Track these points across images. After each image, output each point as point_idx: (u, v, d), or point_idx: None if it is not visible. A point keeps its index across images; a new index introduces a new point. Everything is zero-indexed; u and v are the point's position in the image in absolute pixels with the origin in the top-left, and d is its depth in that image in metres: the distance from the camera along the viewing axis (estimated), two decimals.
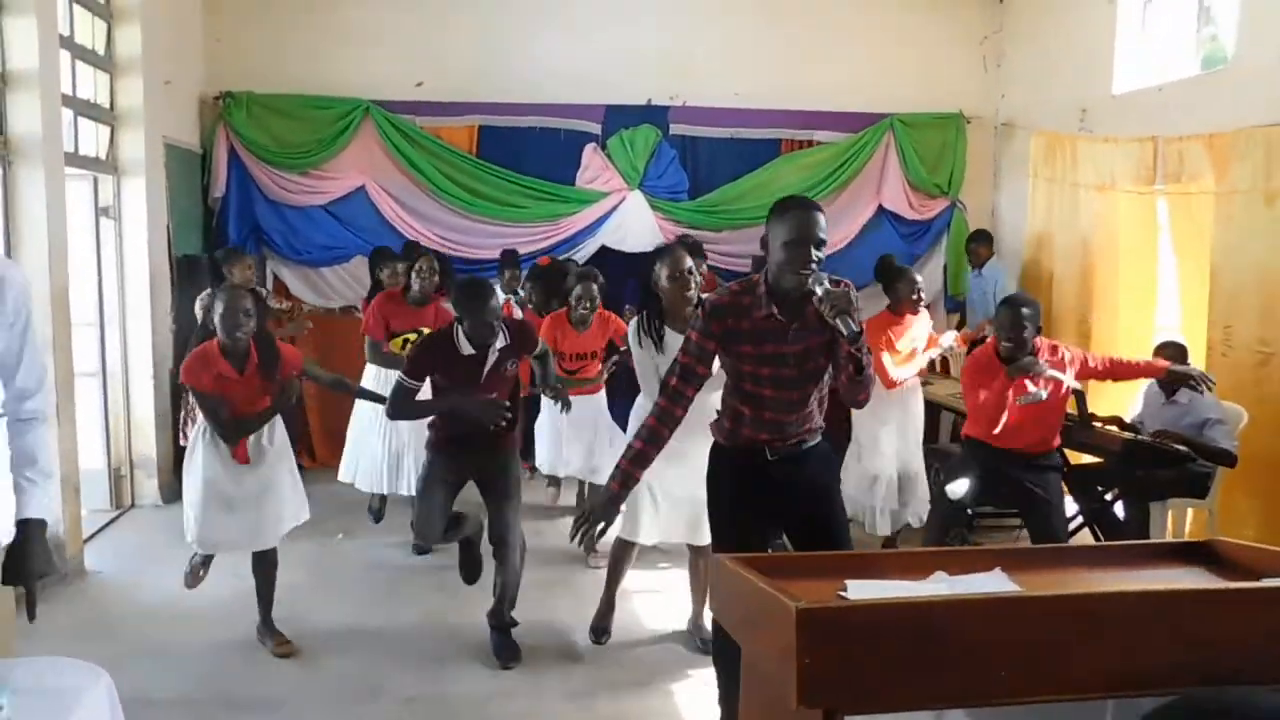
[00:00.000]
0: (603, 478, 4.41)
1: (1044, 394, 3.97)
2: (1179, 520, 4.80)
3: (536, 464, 5.39)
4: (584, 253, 6.93)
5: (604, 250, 6.96)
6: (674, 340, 3.56)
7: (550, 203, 7.07)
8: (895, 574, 2.01)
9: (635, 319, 3.73)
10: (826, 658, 1.58)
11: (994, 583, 1.88)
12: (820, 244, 2.61)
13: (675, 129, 7.21)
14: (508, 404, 3.63)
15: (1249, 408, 4.65)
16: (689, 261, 3.59)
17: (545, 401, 4.86)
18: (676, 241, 6.65)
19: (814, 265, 2.59)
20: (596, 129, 7.14)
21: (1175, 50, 5.96)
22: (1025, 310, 3.95)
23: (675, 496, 3.71)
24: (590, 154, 7.12)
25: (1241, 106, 5.03)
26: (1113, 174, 5.97)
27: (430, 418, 3.84)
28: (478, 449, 3.75)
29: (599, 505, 2.79)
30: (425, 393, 3.75)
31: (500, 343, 3.64)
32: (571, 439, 5.05)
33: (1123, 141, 5.88)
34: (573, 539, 2.82)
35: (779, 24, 7.23)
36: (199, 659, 3.81)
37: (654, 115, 7.16)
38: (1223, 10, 5.62)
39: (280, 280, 6.92)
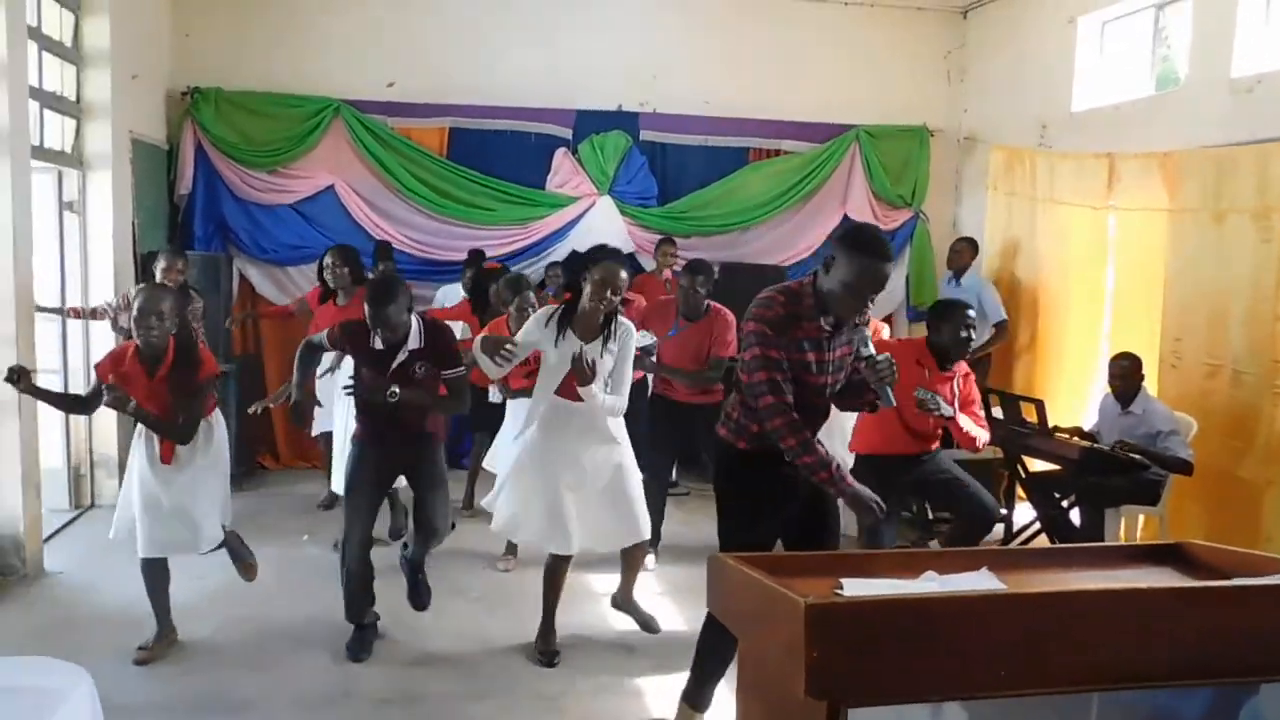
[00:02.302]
0: None
1: (950, 411, 4.05)
2: (1131, 526, 4.97)
3: (488, 466, 5.17)
4: (553, 257, 6.96)
5: (574, 254, 6.98)
6: (573, 341, 3.61)
7: (520, 206, 7.09)
8: (888, 573, 2.09)
9: (549, 308, 3.78)
10: (832, 652, 1.65)
11: (983, 581, 1.96)
12: (880, 291, 2.74)
13: (645, 135, 7.28)
14: (394, 388, 3.56)
15: (1197, 418, 4.84)
16: (622, 278, 3.60)
17: (509, 411, 4.81)
18: (657, 245, 6.77)
19: (869, 308, 2.76)
20: (567, 133, 7.17)
21: (1131, 70, 6.19)
22: (971, 316, 4.15)
23: (592, 503, 3.74)
24: (560, 158, 7.16)
25: (1193, 127, 5.24)
26: (1069, 189, 6.17)
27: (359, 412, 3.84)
28: (403, 443, 3.79)
29: (859, 504, 2.75)
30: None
31: (412, 344, 3.65)
32: None
33: (1080, 158, 6.08)
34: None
35: (748, 34, 7.34)
36: (165, 661, 3.75)
37: (625, 121, 7.22)
38: (1176, 33, 5.85)
39: (245, 279, 6.83)
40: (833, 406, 3.03)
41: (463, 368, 3.81)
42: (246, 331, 6.84)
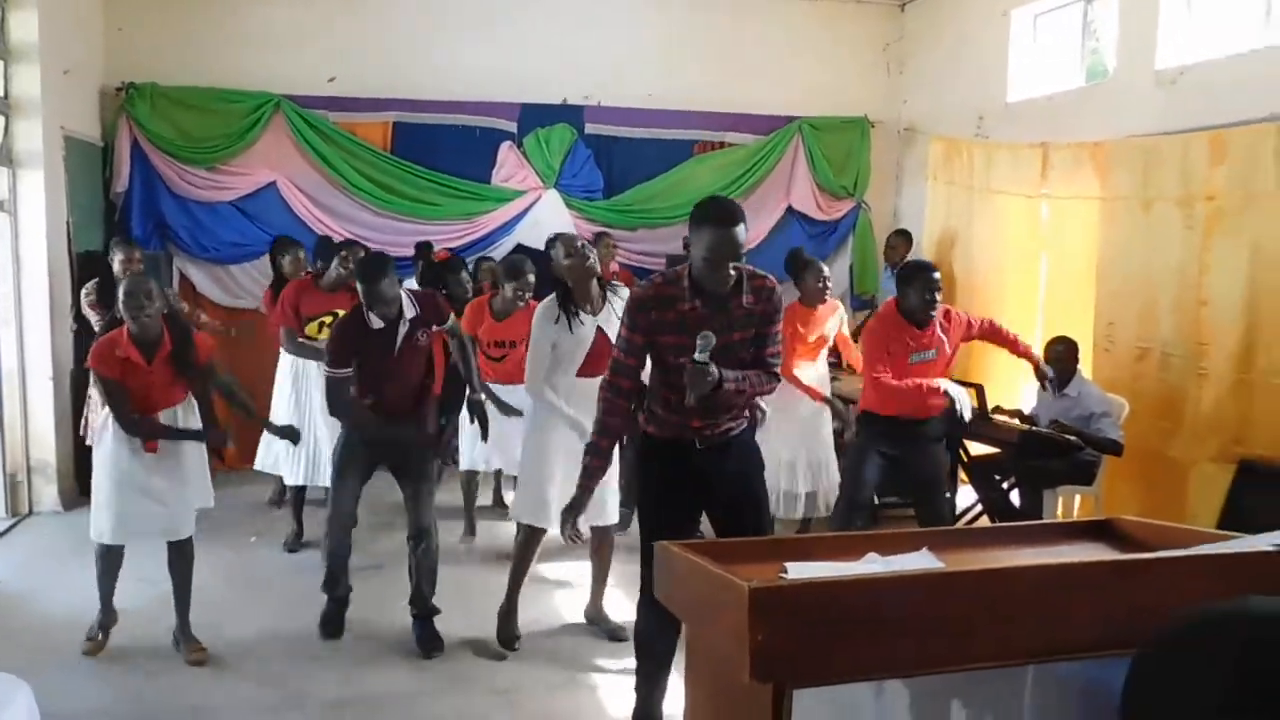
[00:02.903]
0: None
1: (933, 354, 4.21)
2: (1068, 506, 5.12)
3: (459, 461, 5.24)
4: (500, 251, 6.93)
5: (519, 248, 6.97)
6: (587, 321, 3.69)
7: (465, 200, 7.06)
8: (830, 556, 2.14)
9: (548, 299, 3.81)
10: (776, 634, 1.68)
11: (923, 561, 2.02)
12: (738, 258, 2.73)
13: (590, 128, 7.29)
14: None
15: (1129, 400, 5.00)
16: (581, 238, 3.80)
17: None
18: (595, 239, 6.78)
19: (732, 274, 2.75)
20: (512, 127, 7.16)
21: (1063, 62, 6.36)
22: (936, 276, 4.22)
23: (566, 486, 3.74)
24: (506, 152, 7.14)
25: (1121, 117, 5.40)
26: (1005, 179, 6.32)
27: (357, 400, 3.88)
28: (394, 428, 3.85)
29: (572, 502, 2.99)
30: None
31: (410, 313, 3.74)
32: (503, 434, 4.82)
33: (1015, 148, 6.23)
34: (564, 535, 3.03)
35: (692, 27, 7.39)
36: (112, 669, 3.69)
37: (569, 114, 7.22)
38: (1104, 26, 6.02)
39: (186, 279, 6.70)
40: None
41: (452, 316, 3.99)
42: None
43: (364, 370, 3.78)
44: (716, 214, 2.72)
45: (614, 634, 4.04)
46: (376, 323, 3.69)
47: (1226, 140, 4.65)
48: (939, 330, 4.21)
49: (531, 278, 4.56)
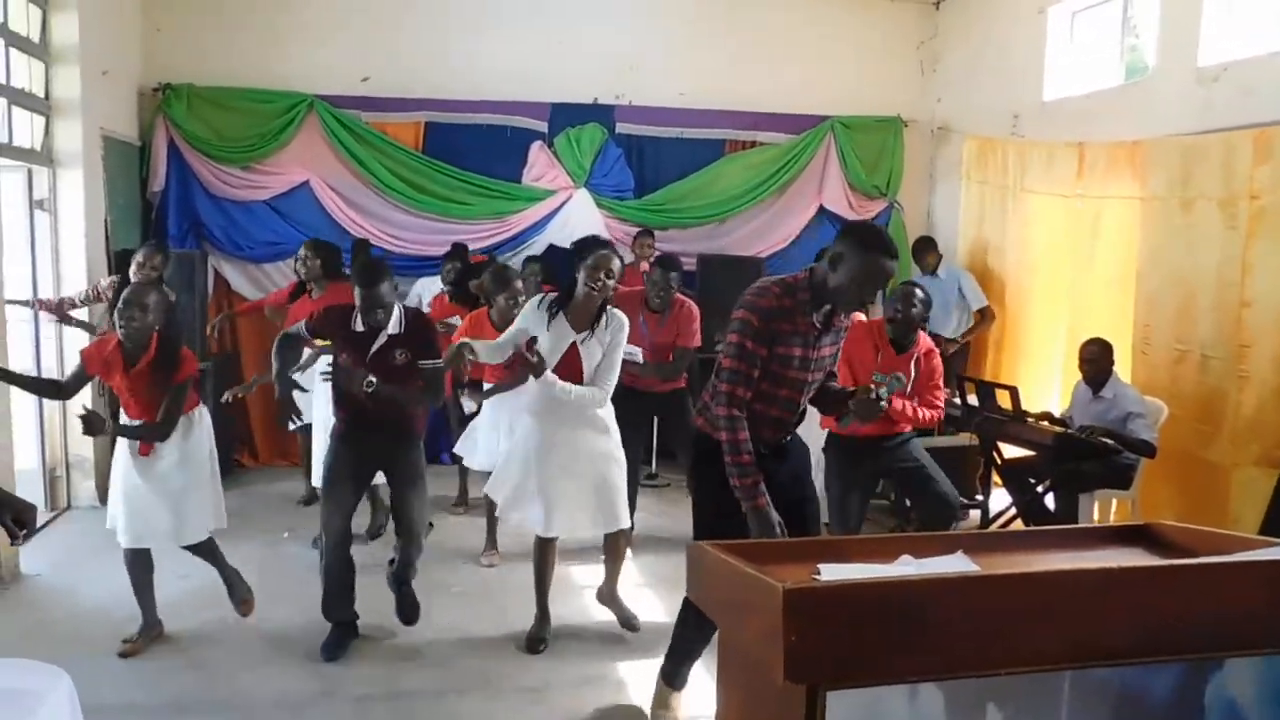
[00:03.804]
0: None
1: (907, 384, 4.15)
2: (1104, 510, 5.05)
3: (465, 461, 5.18)
4: (531, 251, 6.96)
5: (551, 248, 6.99)
6: (563, 326, 3.67)
7: (496, 200, 7.08)
8: (864, 558, 2.12)
9: (542, 295, 3.82)
10: (811, 636, 1.67)
11: (958, 564, 2.00)
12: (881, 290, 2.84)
13: (621, 128, 7.28)
14: (371, 377, 3.57)
15: (1167, 403, 4.92)
16: (615, 264, 3.66)
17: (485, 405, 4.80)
18: (635, 238, 6.79)
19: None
20: (543, 127, 7.17)
21: (1101, 60, 6.26)
22: (919, 294, 4.20)
23: (572, 488, 3.79)
24: (536, 151, 7.15)
25: (1161, 115, 5.31)
26: (1041, 178, 6.24)
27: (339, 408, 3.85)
28: (381, 437, 3.79)
29: (760, 525, 2.77)
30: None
31: (392, 329, 3.68)
32: (512, 430, 4.67)
33: (1051, 147, 6.15)
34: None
35: (723, 26, 7.36)
36: (145, 663, 3.74)
37: (600, 114, 7.22)
38: (1144, 23, 5.92)
39: (221, 277, 6.79)
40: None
41: (440, 361, 3.79)
42: (223, 330, 6.79)
43: (340, 362, 3.77)
44: (886, 245, 2.75)
45: (627, 622, 4.05)
46: (358, 325, 3.67)
47: (1271, 138, 4.55)
48: (913, 363, 4.18)
49: (519, 284, 4.58)
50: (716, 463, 2.93)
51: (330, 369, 3.83)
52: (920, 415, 4.18)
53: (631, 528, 4.98)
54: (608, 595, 4.13)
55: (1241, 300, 4.70)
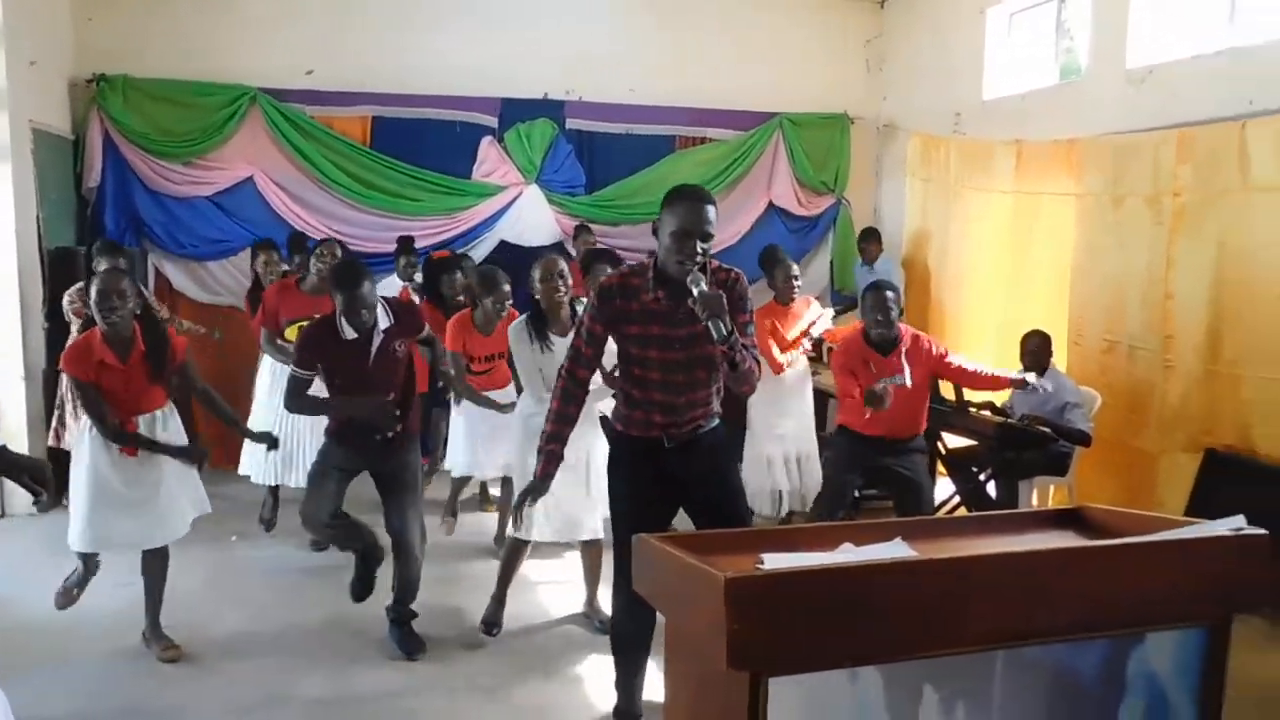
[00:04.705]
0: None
1: (909, 380, 4.18)
2: (1043, 496, 5.21)
3: (448, 466, 5.16)
4: (483, 247, 6.95)
5: (503, 245, 6.98)
6: (558, 342, 3.72)
7: (446, 196, 7.05)
8: (806, 547, 2.17)
9: (518, 321, 3.87)
10: (752, 624, 1.71)
11: (896, 550, 2.06)
12: (707, 237, 2.67)
13: (571, 124, 7.30)
14: (397, 410, 3.61)
15: (1099, 392, 5.10)
16: (561, 265, 3.77)
17: (460, 412, 4.82)
18: (575, 233, 6.83)
19: (699, 257, 2.67)
20: (493, 122, 7.15)
21: (1037, 61, 6.43)
22: (889, 294, 4.27)
23: (565, 490, 3.76)
24: (487, 147, 7.13)
25: (1094, 115, 5.48)
26: (981, 175, 6.39)
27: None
28: (375, 440, 3.72)
29: (532, 486, 2.97)
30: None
31: (384, 324, 3.64)
32: (491, 438, 4.77)
33: (991, 145, 6.30)
34: (515, 521, 3.09)
35: (672, 23, 7.41)
36: (91, 671, 3.66)
37: (550, 109, 7.22)
38: (1077, 25, 6.10)
39: (162, 276, 6.65)
40: (758, 388, 3.00)
41: (427, 328, 3.90)
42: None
43: (337, 382, 3.68)
44: (690, 190, 2.75)
45: (605, 625, 4.05)
46: (349, 333, 3.58)
47: (1193, 138, 4.74)
48: (903, 357, 4.22)
49: (507, 287, 4.54)
50: (618, 455, 3.02)
51: (331, 402, 3.74)
52: (989, 374, 4.45)
53: None
54: (589, 609, 4.17)
55: (1167, 293, 4.88)
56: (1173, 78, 5.02)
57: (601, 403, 3.80)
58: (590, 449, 3.85)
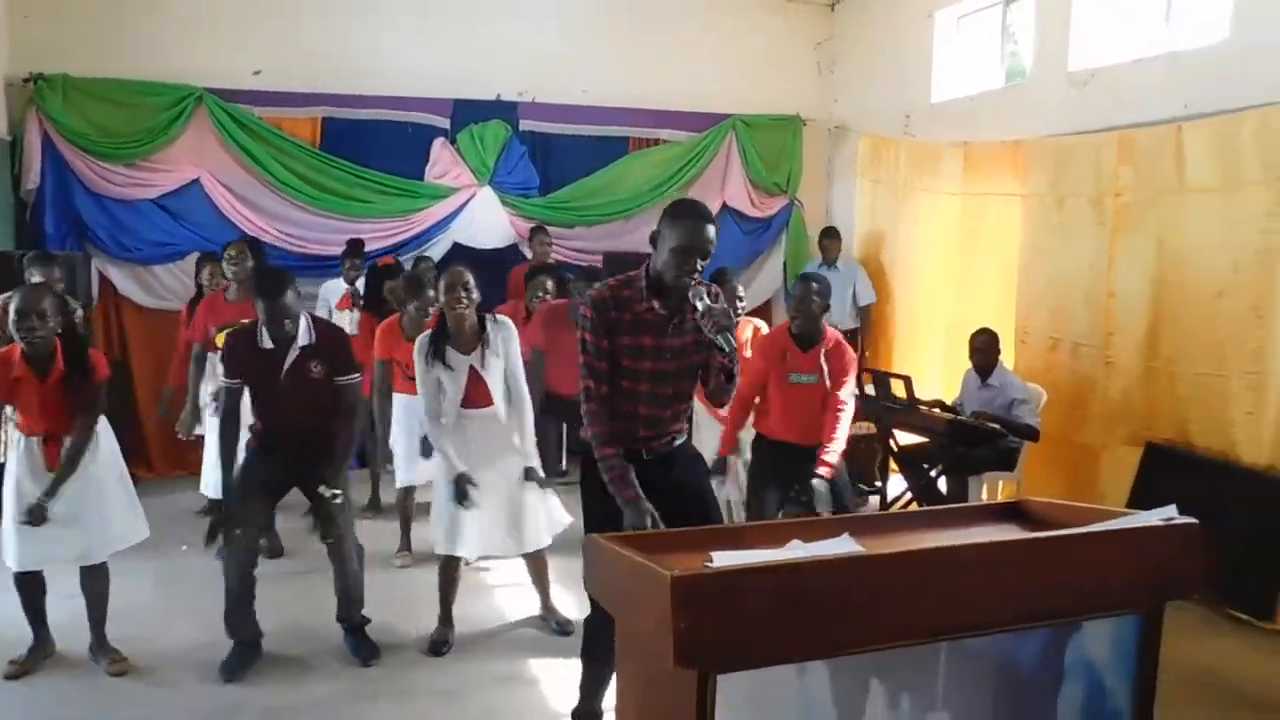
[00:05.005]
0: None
1: (813, 378, 4.12)
2: (992, 491, 5.31)
3: (395, 472, 5.05)
4: (437, 249, 6.89)
5: (456, 247, 6.94)
6: (459, 360, 3.71)
7: (398, 198, 6.98)
8: (755, 544, 2.19)
9: (422, 337, 3.83)
10: (699, 621, 1.72)
11: (843, 545, 2.08)
12: (707, 254, 2.72)
13: (525, 125, 7.28)
14: (336, 492, 3.56)
15: (1045, 389, 5.21)
16: (466, 277, 3.73)
17: (399, 409, 4.76)
18: (531, 235, 6.81)
19: (699, 273, 2.72)
20: (445, 123, 7.11)
21: (984, 64, 6.55)
22: (815, 286, 4.20)
23: (489, 505, 3.80)
24: (439, 149, 7.08)
25: (1038, 117, 5.60)
26: (930, 176, 6.50)
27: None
28: (301, 452, 3.65)
29: (633, 516, 2.75)
30: None
31: (303, 340, 3.57)
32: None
33: (939, 146, 6.41)
34: (443, 537, 2.94)
35: (625, 25, 7.43)
36: (37, 687, 3.57)
37: (503, 111, 7.20)
38: (1022, 29, 6.22)
39: (107, 281, 6.51)
40: (695, 397, 3.03)
41: (357, 375, 3.73)
42: (111, 336, 6.54)
43: (252, 392, 3.63)
44: (693, 209, 2.77)
45: (562, 627, 4.07)
46: (267, 342, 3.55)
47: (1133, 140, 4.87)
48: (822, 357, 4.13)
49: (432, 293, 4.47)
50: (597, 470, 2.93)
51: (254, 427, 3.67)
52: (837, 434, 3.99)
53: None
54: (544, 611, 4.15)
55: (1108, 291, 5.01)
56: (1114, 81, 5.15)
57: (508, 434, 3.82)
58: (511, 466, 3.85)
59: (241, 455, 3.75)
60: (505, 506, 3.84)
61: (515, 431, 3.87)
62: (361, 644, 3.83)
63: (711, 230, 2.73)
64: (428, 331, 3.85)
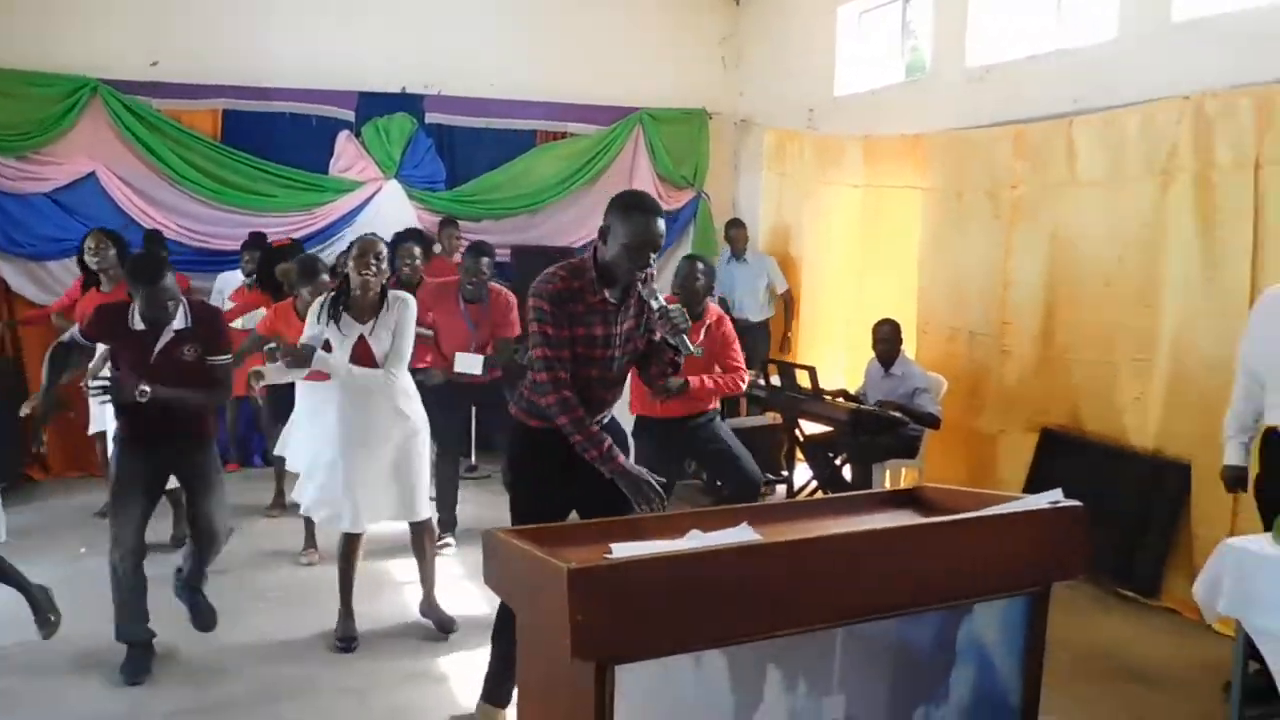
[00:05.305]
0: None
1: (699, 350, 4.24)
2: (895, 478, 5.45)
3: (290, 464, 4.88)
4: (342, 244, 6.73)
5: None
6: (348, 324, 3.72)
7: (303, 191, 6.83)
8: (655, 535, 2.21)
9: (324, 295, 3.82)
10: (596, 613, 1.73)
11: (741, 534, 2.12)
12: (658, 249, 2.75)
13: (431, 118, 7.18)
14: (144, 386, 3.32)
15: (944, 378, 5.37)
16: (380, 248, 3.74)
17: (301, 393, 4.66)
18: (440, 228, 6.71)
19: (650, 265, 2.77)
20: (350, 116, 6.97)
21: (885, 58, 6.71)
22: (700, 265, 4.38)
23: (373, 477, 3.80)
24: (344, 142, 6.95)
25: (937, 112, 5.76)
26: (833, 169, 6.62)
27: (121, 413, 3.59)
28: (169, 442, 3.57)
29: (632, 483, 2.74)
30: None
31: (179, 324, 3.48)
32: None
33: (842, 140, 6.53)
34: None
35: (531, 18, 7.37)
36: None
37: (409, 104, 7.09)
38: (921, 25, 6.39)
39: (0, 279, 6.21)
40: (629, 379, 3.09)
41: (229, 356, 3.66)
42: (2, 334, 6.24)
43: (118, 369, 3.52)
44: (646, 203, 2.80)
45: (443, 625, 4.02)
46: (138, 324, 3.45)
47: (1027, 134, 5.04)
48: (704, 332, 4.32)
49: (326, 277, 4.45)
50: (529, 450, 2.97)
51: (107, 378, 3.50)
52: (722, 383, 4.34)
53: (454, 523, 5.03)
54: (426, 605, 4.09)
55: (1004, 282, 5.19)
56: (1009, 76, 5.33)
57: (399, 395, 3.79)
58: (397, 432, 3.82)
59: (112, 448, 3.65)
60: (391, 472, 3.82)
61: (401, 396, 3.82)
62: (202, 607, 3.77)
63: (662, 224, 2.77)
64: (329, 294, 3.80)
